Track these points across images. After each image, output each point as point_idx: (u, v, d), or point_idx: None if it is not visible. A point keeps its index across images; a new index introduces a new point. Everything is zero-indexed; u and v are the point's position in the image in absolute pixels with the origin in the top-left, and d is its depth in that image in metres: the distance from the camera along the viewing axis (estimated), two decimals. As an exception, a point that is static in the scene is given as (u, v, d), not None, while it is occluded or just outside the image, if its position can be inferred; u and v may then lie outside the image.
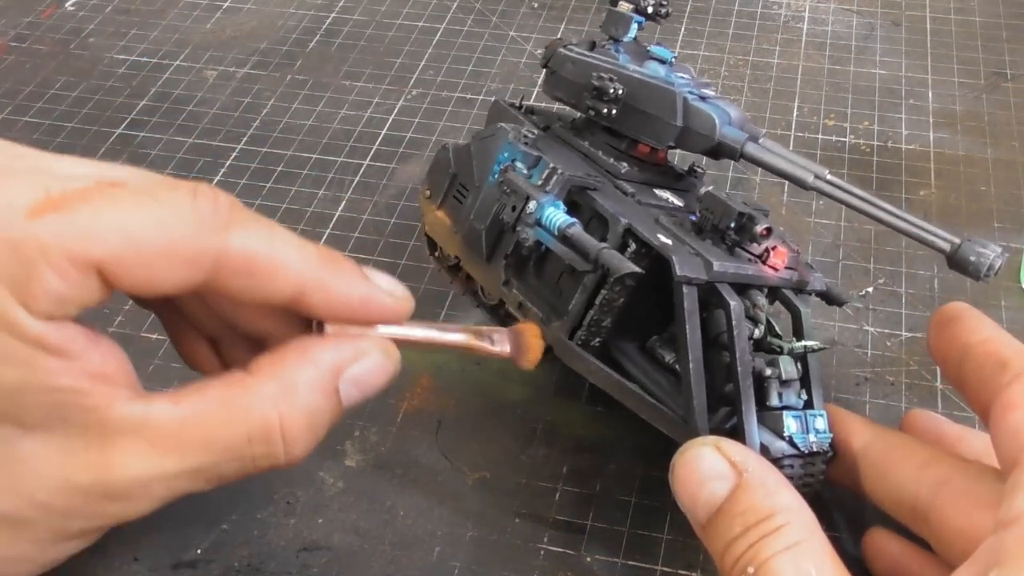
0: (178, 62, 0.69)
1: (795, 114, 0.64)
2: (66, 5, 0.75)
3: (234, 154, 0.61)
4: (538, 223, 0.39)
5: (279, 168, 0.60)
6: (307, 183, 0.59)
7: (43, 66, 0.69)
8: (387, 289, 0.35)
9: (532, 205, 0.40)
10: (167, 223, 0.31)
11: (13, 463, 0.30)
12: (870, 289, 0.52)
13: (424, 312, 0.50)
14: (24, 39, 0.72)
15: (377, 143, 0.62)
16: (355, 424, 0.45)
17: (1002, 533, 0.30)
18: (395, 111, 0.64)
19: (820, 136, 0.62)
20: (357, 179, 0.59)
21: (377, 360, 0.34)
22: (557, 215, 0.39)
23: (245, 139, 0.62)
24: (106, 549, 0.40)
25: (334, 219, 0.56)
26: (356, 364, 0.34)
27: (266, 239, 0.32)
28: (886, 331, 0.50)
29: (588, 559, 0.41)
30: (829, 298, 0.43)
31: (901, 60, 0.69)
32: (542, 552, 0.41)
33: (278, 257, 0.32)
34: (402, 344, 0.36)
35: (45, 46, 0.71)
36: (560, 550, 0.41)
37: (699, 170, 0.47)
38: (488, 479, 0.43)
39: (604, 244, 0.38)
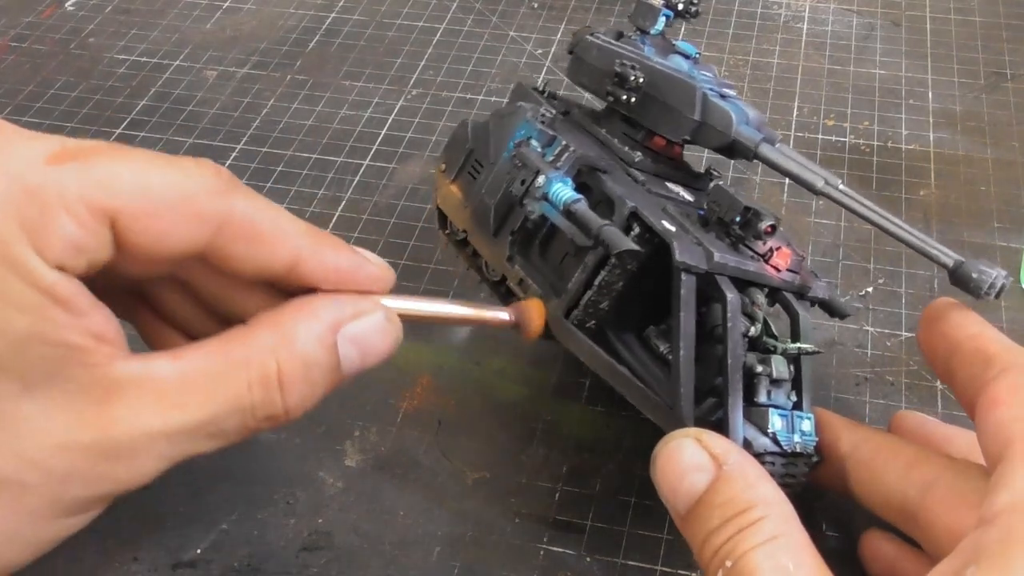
0: (178, 62, 0.69)
1: (795, 114, 0.64)
2: (66, 5, 0.75)
3: (234, 154, 0.61)
4: (545, 197, 0.39)
5: (279, 168, 0.60)
6: (307, 183, 0.59)
7: (43, 66, 0.69)
8: (374, 260, 0.36)
9: (541, 179, 0.40)
10: (178, 181, 0.31)
11: (13, 422, 0.30)
12: (870, 289, 0.52)
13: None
14: (24, 39, 0.72)
15: (377, 143, 0.62)
16: (355, 424, 0.45)
17: (982, 529, 0.30)
18: (395, 111, 0.64)
19: (820, 136, 0.62)
20: (357, 179, 0.59)
21: (378, 320, 0.34)
22: (564, 191, 0.39)
23: (245, 139, 0.62)
24: (106, 549, 0.40)
25: (334, 219, 0.56)
26: (356, 321, 0.34)
27: (267, 209, 0.33)
28: (886, 331, 0.50)
29: (588, 559, 0.41)
30: (831, 309, 0.43)
31: (901, 60, 0.69)
32: (542, 552, 0.41)
33: (278, 224, 0.33)
34: (405, 318, 0.36)
35: (45, 46, 0.71)
36: (560, 550, 0.41)
37: (715, 173, 0.47)
38: (488, 479, 0.43)
39: (607, 222, 0.38)
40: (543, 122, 0.43)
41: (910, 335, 0.50)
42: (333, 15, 0.74)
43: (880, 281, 0.53)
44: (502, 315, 0.39)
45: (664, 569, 0.40)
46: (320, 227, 0.55)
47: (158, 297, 0.37)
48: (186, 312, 0.37)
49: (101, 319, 0.31)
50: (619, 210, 0.39)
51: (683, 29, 0.72)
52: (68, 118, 0.64)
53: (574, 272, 0.40)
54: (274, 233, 0.33)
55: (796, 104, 0.65)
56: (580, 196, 0.39)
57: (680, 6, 0.46)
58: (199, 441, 0.32)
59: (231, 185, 0.33)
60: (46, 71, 0.68)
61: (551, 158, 0.41)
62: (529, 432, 0.45)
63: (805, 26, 0.72)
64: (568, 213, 0.39)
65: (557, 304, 0.40)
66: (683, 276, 0.37)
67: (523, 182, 0.41)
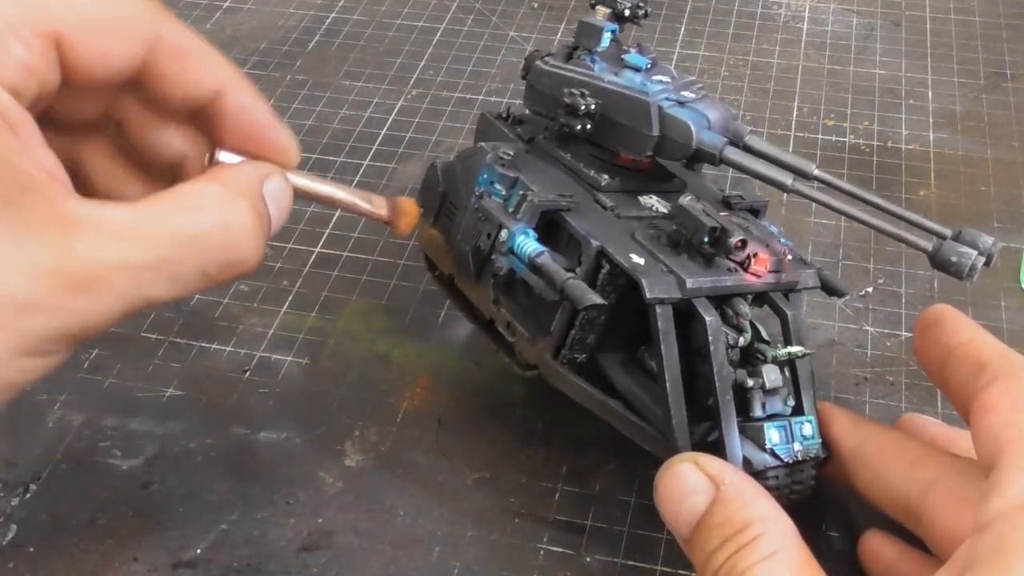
0: (178, 62, 0.69)
1: (795, 114, 0.64)
2: (66, 5, 0.75)
3: (234, 154, 0.61)
4: (511, 251, 0.40)
5: (279, 168, 0.60)
6: (307, 183, 0.59)
7: (43, 66, 0.69)
8: (286, 128, 0.37)
9: (504, 233, 0.40)
10: (110, 4, 0.33)
11: None
12: (870, 289, 0.52)
13: (424, 312, 0.50)
14: (24, 39, 0.71)
15: (377, 143, 0.62)
16: (355, 424, 0.45)
17: (976, 536, 0.30)
18: (395, 111, 0.64)
19: (820, 136, 0.62)
20: (357, 179, 0.59)
21: (281, 179, 0.35)
22: (527, 243, 0.39)
23: (245, 139, 0.62)
24: (106, 549, 0.40)
25: (333, 219, 0.56)
26: (271, 179, 0.35)
27: (196, 37, 0.35)
28: (886, 331, 0.50)
29: (588, 559, 0.41)
30: (829, 289, 0.43)
31: (901, 60, 0.69)
32: (542, 552, 0.41)
33: (206, 49, 0.35)
34: (298, 193, 0.37)
35: (45, 46, 0.71)
36: (560, 550, 0.41)
37: (695, 165, 0.46)
38: (488, 479, 0.43)
39: (571, 275, 0.38)
40: (503, 164, 0.42)
41: (910, 335, 0.50)
42: (333, 15, 0.74)
43: (880, 281, 0.53)
44: (380, 210, 0.39)
45: (664, 569, 0.40)
46: (319, 227, 0.56)
47: (86, 159, 0.37)
48: (114, 174, 0.38)
49: (50, 157, 0.31)
50: (586, 250, 0.39)
51: (682, 31, 0.72)
52: (68, 118, 0.64)
53: (556, 312, 0.40)
54: (202, 57, 0.35)
55: (796, 104, 0.65)
56: (543, 249, 0.39)
57: (627, 12, 0.45)
58: (158, 284, 0.31)
59: (159, 9, 0.34)
60: (46, 71, 0.68)
61: (512, 207, 0.41)
62: (529, 432, 0.45)
63: (805, 26, 0.72)
64: (533, 267, 0.39)
65: (544, 346, 0.40)
66: (658, 309, 0.37)
67: (488, 235, 0.41)
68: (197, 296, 0.51)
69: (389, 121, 0.64)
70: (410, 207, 0.40)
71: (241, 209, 0.33)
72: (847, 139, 0.62)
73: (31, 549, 0.41)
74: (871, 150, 0.61)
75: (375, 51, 0.70)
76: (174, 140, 0.37)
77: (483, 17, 0.73)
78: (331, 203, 0.39)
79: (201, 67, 0.35)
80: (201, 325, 0.50)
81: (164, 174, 0.37)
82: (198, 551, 0.41)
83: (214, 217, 0.32)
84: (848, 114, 0.64)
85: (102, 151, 0.37)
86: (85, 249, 0.30)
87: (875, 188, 0.58)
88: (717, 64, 0.68)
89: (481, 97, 0.65)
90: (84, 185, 0.37)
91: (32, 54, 0.31)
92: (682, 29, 0.72)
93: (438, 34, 0.72)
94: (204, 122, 0.36)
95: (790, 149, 0.61)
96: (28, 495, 0.42)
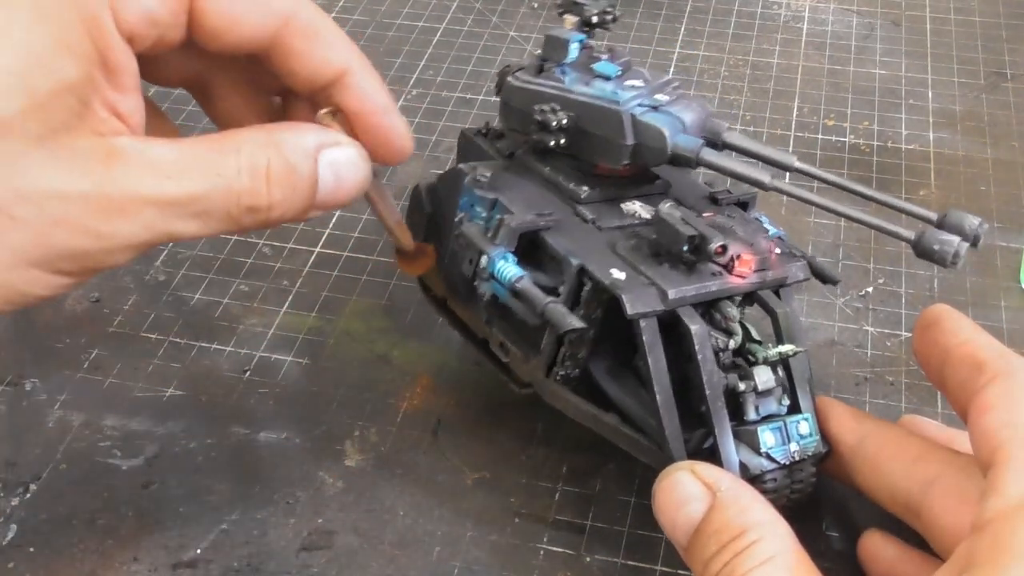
0: (178, 62, 0.69)
1: (795, 114, 0.64)
2: (66, 5, 0.75)
3: (234, 154, 0.61)
4: (492, 277, 0.39)
5: (279, 168, 0.60)
6: (307, 183, 0.59)
7: (43, 66, 0.69)
8: (404, 121, 0.38)
9: (484, 259, 0.40)
10: None
11: (19, 160, 0.30)
12: (870, 289, 0.52)
13: (424, 312, 0.50)
14: (24, 39, 0.71)
15: (377, 143, 0.62)
16: (355, 424, 0.45)
17: (975, 537, 0.30)
18: (395, 111, 0.64)
19: (820, 136, 0.62)
20: (357, 179, 0.59)
21: (354, 153, 0.36)
22: (507, 268, 0.39)
23: (245, 139, 0.62)
24: (106, 549, 0.41)
25: (333, 219, 0.56)
26: (336, 147, 0.35)
27: (328, 17, 0.36)
28: (886, 331, 0.50)
29: (588, 559, 0.41)
30: (821, 277, 0.43)
31: (901, 60, 0.69)
32: (542, 552, 0.41)
33: (337, 33, 0.36)
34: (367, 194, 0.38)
35: (45, 46, 0.71)
36: (560, 550, 0.41)
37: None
38: (488, 479, 0.44)
39: (551, 299, 0.38)
40: (481, 185, 0.42)
41: (910, 335, 0.50)
42: (333, 15, 0.74)
43: (880, 281, 0.53)
44: (407, 243, 0.42)
45: (664, 569, 0.40)
46: (320, 227, 0.56)
47: (217, 83, 0.39)
48: (239, 105, 0.39)
49: (133, 104, 0.32)
50: (567, 270, 0.39)
51: (682, 31, 0.72)
52: (68, 118, 0.64)
53: (545, 331, 0.40)
54: (332, 38, 0.36)
55: (796, 104, 0.65)
56: (522, 273, 0.39)
57: (595, 19, 0.44)
58: (185, 219, 0.33)
59: None
60: (46, 71, 0.68)
61: (491, 232, 0.41)
62: (529, 432, 0.45)
63: (805, 26, 0.72)
64: (514, 292, 0.39)
65: (536, 364, 0.40)
66: (642, 323, 0.37)
67: (471, 261, 0.41)
68: (197, 296, 0.51)
69: (389, 121, 0.63)
70: (432, 253, 0.43)
71: (272, 156, 0.34)
72: (847, 139, 0.62)
73: (31, 549, 0.41)
74: (871, 150, 0.61)
75: (375, 51, 0.70)
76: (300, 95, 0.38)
77: (483, 17, 0.73)
78: (381, 216, 0.40)
79: (329, 48, 0.36)
80: (201, 325, 0.50)
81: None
82: (198, 551, 0.41)
83: (244, 160, 0.33)
84: (848, 114, 0.64)
85: (234, 80, 0.39)
86: (122, 178, 0.31)
87: (875, 188, 0.58)
88: (717, 64, 0.68)
89: (481, 97, 0.65)
90: (210, 105, 0.40)
91: (161, 6, 0.32)
92: (682, 29, 0.72)
93: (438, 34, 0.72)
94: (326, 98, 0.37)
95: (790, 149, 0.61)
96: (28, 495, 0.42)
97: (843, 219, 0.55)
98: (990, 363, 0.35)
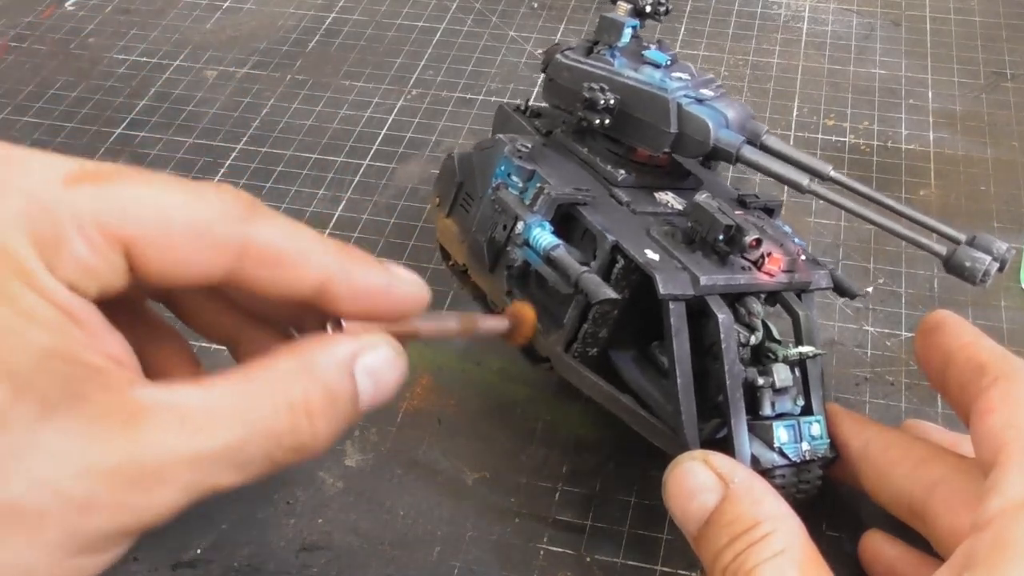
0: (178, 62, 0.69)
1: (795, 114, 0.64)
2: (66, 5, 0.75)
3: (234, 154, 0.61)
4: (526, 243, 0.40)
5: (279, 168, 0.60)
6: (307, 183, 0.59)
7: (43, 66, 0.69)
8: (406, 278, 0.35)
9: (520, 225, 0.40)
10: (195, 209, 0.31)
11: (31, 446, 0.27)
12: (870, 289, 0.52)
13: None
14: (24, 39, 0.72)
15: (377, 143, 0.62)
16: (355, 424, 0.45)
17: (975, 536, 0.30)
18: (395, 111, 0.64)
19: (820, 136, 0.62)
20: (357, 179, 0.59)
21: (388, 352, 0.34)
22: (543, 236, 0.39)
23: (245, 139, 0.62)
24: (106, 549, 0.40)
25: (334, 219, 0.56)
26: (369, 353, 0.33)
27: (290, 232, 0.32)
28: (886, 331, 0.50)
29: (588, 559, 0.41)
30: (841, 290, 0.43)
31: (901, 60, 0.69)
32: (542, 552, 0.41)
33: (303, 248, 0.32)
34: (408, 338, 0.35)
35: (45, 46, 0.71)
36: (560, 550, 0.41)
37: (711, 163, 0.46)
38: (488, 479, 0.43)
39: (585, 268, 0.38)
40: (520, 156, 0.42)
41: (910, 335, 0.50)
42: (333, 15, 0.74)
43: (880, 281, 0.53)
44: (500, 325, 0.38)
45: (664, 569, 0.40)
46: (320, 227, 0.56)
47: (183, 303, 0.37)
48: (224, 323, 0.37)
49: (116, 343, 0.30)
50: (601, 244, 0.39)
51: (682, 31, 0.72)
52: (68, 118, 0.64)
53: (570, 305, 0.40)
54: (298, 257, 0.32)
55: (796, 104, 0.65)
56: (558, 242, 0.39)
57: (648, 8, 0.45)
58: (224, 471, 0.30)
59: (251, 210, 0.32)
60: (46, 71, 0.68)
61: (529, 199, 0.41)
62: (529, 432, 0.45)
63: (805, 26, 0.72)
64: (548, 260, 0.39)
65: (556, 338, 0.40)
66: (671, 305, 0.37)
67: (505, 227, 0.41)
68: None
69: (389, 121, 0.64)
70: (526, 312, 0.38)
71: (308, 387, 0.31)
72: (847, 139, 0.62)
73: (31, 549, 0.40)
74: (871, 150, 0.61)
75: (375, 51, 0.70)
76: (282, 314, 0.36)
77: (483, 17, 0.73)
78: (465, 335, 0.37)
79: (298, 269, 0.32)
80: (201, 325, 0.50)
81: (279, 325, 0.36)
82: (198, 551, 0.41)
83: (281, 399, 0.31)
84: (848, 114, 0.64)
85: (210, 299, 0.36)
86: (150, 441, 0.29)
87: (875, 188, 0.58)
88: (717, 64, 0.68)
89: (481, 97, 0.65)
90: (192, 323, 0.37)
91: (95, 257, 0.29)
92: (682, 29, 0.72)
93: (438, 34, 0.72)
94: (313, 305, 0.34)
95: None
96: (28, 495, 0.42)
97: (846, 220, 0.56)
98: (992, 365, 0.35)
